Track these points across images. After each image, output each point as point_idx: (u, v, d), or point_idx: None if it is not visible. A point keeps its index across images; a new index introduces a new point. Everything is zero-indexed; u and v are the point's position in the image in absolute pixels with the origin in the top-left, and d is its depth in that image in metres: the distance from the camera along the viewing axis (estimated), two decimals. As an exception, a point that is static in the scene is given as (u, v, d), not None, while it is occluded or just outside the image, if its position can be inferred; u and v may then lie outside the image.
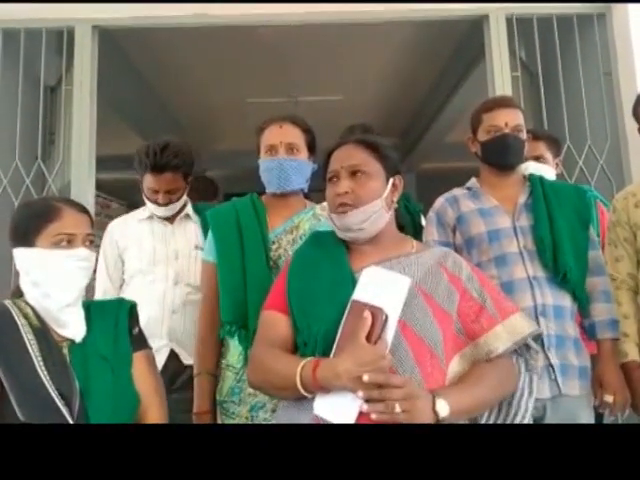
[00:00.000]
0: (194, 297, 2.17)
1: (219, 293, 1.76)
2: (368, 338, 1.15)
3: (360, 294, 1.21)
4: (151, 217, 2.26)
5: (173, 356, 2.10)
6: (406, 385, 1.13)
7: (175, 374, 2.05)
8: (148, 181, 2.16)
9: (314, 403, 1.17)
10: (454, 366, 1.26)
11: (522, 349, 1.33)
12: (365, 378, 1.10)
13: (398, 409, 1.09)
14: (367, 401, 1.11)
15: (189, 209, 2.30)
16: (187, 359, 2.10)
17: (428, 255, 1.36)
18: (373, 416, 1.10)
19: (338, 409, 1.14)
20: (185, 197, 2.25)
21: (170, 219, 2.26)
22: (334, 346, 1.19)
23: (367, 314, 1.16)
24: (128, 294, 2.07)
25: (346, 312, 1.20)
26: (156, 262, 2.18)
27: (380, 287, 1.20)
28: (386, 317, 1.16)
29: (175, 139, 2.20)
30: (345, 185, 1.33)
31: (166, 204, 2.18)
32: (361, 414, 1.12)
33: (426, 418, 1.12)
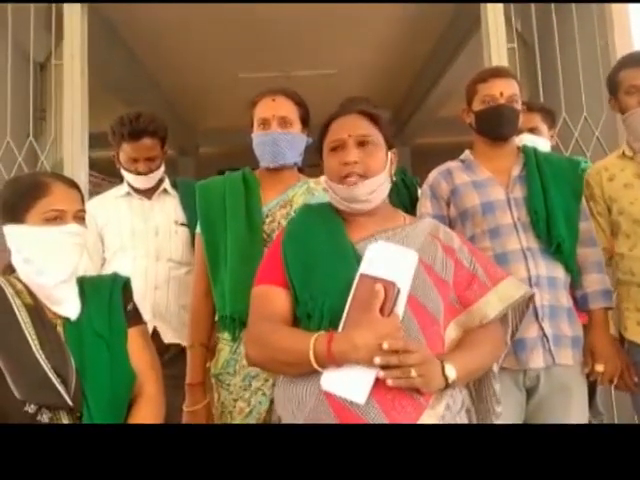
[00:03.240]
0: (177, 272, 2.19)
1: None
2: (381, 311, 1.15)
3: (368, 268, 1.21)
4: (129, 193, 2.25)
5: (155, 335, 2.09)
6: (420, 350, 1.15)
7: (159, 352, 2.05)
8: (126, 151, 2.14)
9: (321, 379, 1.15)
10: (450, 333, 1.29)
11: (502, 320, 1.36)
12: (385, 346, 1.11)
13: (414, 373, 1.11)
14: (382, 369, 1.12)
15: (167, 184, 2.28)
16: (169, 338, 2.11)
17: (421, 226, 1.37)
18: (389, 382, 1.11)
19: (350, 384, 1.13)
20: (163, 168, 2.23)
21: (148, 194, 2.24)
22: (343, 319, 1.18)
23: (380, 287, 1.16)
24: (109, 272, 2.07)
25: (354, 286, 1.20)
26: (136, 239, 2.17)
27: (389, 261, 1.20)
28: (398, 291, 1.17)
29: (146, 109, 2.19)
30: (354, 154, 1.31)
31: (146, 172, 2.16)
32: (376, 382, 1.12)
33: (438, 382, 1.16)
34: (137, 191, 2.24)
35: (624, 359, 1.76)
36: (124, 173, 2.21)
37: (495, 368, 1.37)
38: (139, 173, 2.16)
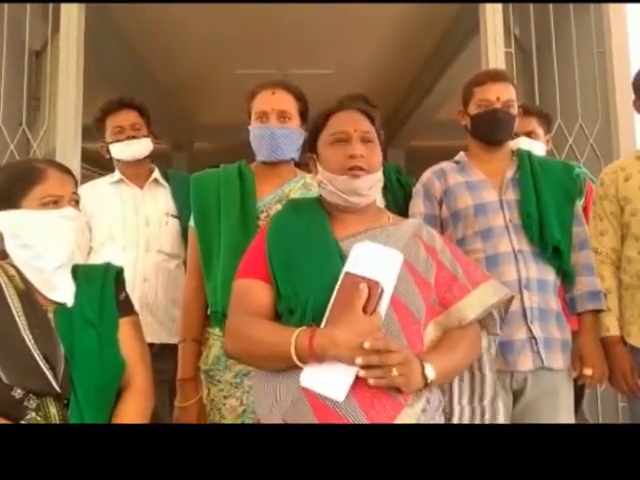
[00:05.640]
0: (167, 265, 2.17)
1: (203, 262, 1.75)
2: (364, 310, 1.16)
3: (352, 267, 1.21)
4: (121, 180, 2.25)
5: None
6: (402, 350, 1.15)
7: None
8: (111, 123, 2.18)
9: (301, 376, 1.15)
10: (429, 333, 1.29)
11: (484, 317, 1.36)
12: (366, 345, 1.11)
13: (396, 373, 1.11)
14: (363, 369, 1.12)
15: (157, 174, 2.28)
16: (148, 338, 2.06)
17: (405, 226, 1.38)
18: (371, 381, 1.12)
19: (330, 382, 1.14)
20: (151, 145, 2.25)
21: (139, 182, 2.24)
22: (325, 316, 1.18)
23: (363, 286, 1.17)
24: (97, 262, 2.01)
25: (338, 284, 1.20)
26: (126, 228, 2.16)
27: (374, 261, 1.21)
28: (382, 290, 1.18)
29: None
30: (360, 148, 1.31)
31: (133, 137, 2.18)
32: (357, 380, 1.13)
33: (418, 382, 1.16)
34: (127, 174, 2.23)
35: (629, 362, 1.75)
36: (112, 148, 2.21)
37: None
38: (127, 138, 2.18)
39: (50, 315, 1.31)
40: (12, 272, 1.32)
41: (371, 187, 1.33)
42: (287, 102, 1.78)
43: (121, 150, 2.19)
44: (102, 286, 1.38)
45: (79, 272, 1.40)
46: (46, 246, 1.30)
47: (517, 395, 1.67)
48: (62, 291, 1.34)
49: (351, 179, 1.31)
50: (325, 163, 1.36)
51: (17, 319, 1.24)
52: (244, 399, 1.65)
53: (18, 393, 1.20)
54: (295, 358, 1.15)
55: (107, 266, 1.45)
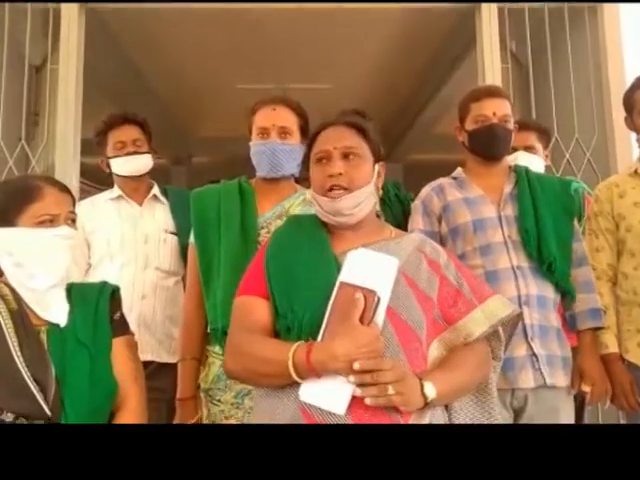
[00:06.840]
0: (164, 282, 2.16)
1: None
2: (361, 320, 1.12)
3: (347, 276, 1.18)
4: (120, 197, 2.24)
5: None
6: (395, 367, 1.11)
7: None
8: (112, 138, 2.18)
9: (300, 390, 1.12)
10: (433, 351, 1.25)
11: (490, 337, 1.32)
12: (356, 366, 1.08)
13: (392, 391, 1.08)
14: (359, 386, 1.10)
15: (156, 190, 2.28)
16: (145, 355, 1.99)
17: (407, 241, 1.35)
18: (367, 401, 1.08)
19: (329, 395, 1.11)
20: (151, 162, 2.25)
21: (138, 199, 2.24)
22: (322, 328, 1.15)
23: (359, 295, 1.14)
24: (95, 279, 1.99)
25: (334, 294, 1.17)
26: (124, 245, 2.15)
27: (368, 269, 1.18)
28: (378, 299, 1.15)
29: None
30: (339, 166, 1.28)
31: (134, 152, 2.18)
32: (354, 400, 1.10)
33: (417, 401, 1.12)
34: (126, 190, 2.23)
35: (628, 379, 1.75)
36: (113, 163, 2.20)
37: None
38: (128, 154, 2.17)
39: (43, 335, 1.29)
40: (6, 291, 1.29)
41: (357, 205, 1.29)
42: (288, 118, 1.79)
43: (122, 165, 2.19)
44: (96, 306, 1.36)
45: (74, 291, 1.38)
46: (40, 265, 1.29)
47: (518, 413, 1.66)
48: (55, 311, 1.32)
49: (331, 200, 1.28)
50: (311, 183, 1.35)
51: (8, 340, 1.21)
52: (245, 420, 1.62)
53: (8, 417, 1.17)
54: (294, 374, 1.12)
55: (102, 285, 1.43)
